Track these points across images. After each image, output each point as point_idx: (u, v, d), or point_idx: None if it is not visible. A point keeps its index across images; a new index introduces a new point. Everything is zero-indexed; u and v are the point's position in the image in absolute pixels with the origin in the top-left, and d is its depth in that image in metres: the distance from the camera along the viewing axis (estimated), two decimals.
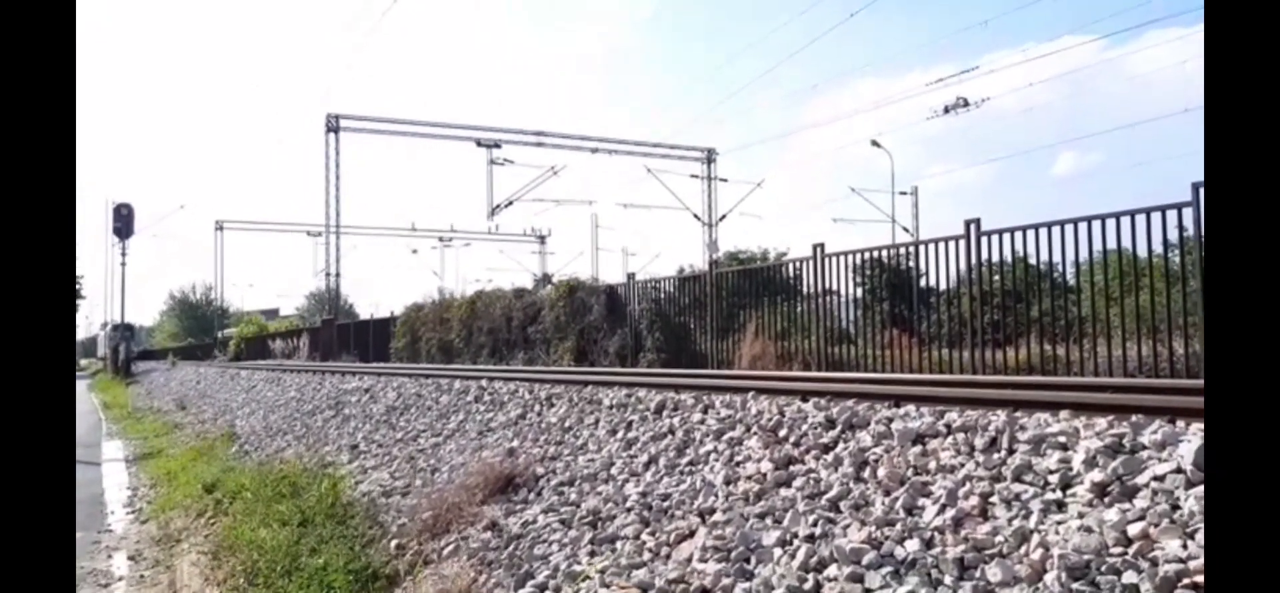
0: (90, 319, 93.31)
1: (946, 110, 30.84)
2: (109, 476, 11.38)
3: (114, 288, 43.32)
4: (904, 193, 40.60)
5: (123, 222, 37.34)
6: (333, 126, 37.49)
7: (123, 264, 37.93)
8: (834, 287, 12.19)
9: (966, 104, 30.35)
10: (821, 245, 12.05)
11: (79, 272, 70.51)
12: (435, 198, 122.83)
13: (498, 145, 38.61)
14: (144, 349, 66.53)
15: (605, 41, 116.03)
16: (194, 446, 12.82)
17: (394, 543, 5.78)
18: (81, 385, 38.96)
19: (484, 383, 9.62)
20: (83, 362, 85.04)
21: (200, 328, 73.03)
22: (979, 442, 3.98)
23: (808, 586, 3.48)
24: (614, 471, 5.60)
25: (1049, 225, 9.07)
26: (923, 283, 11.84)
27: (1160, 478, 3.17)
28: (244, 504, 7.50)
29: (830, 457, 4.51)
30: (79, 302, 73.77)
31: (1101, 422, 3.79)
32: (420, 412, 9.52)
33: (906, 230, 38.18)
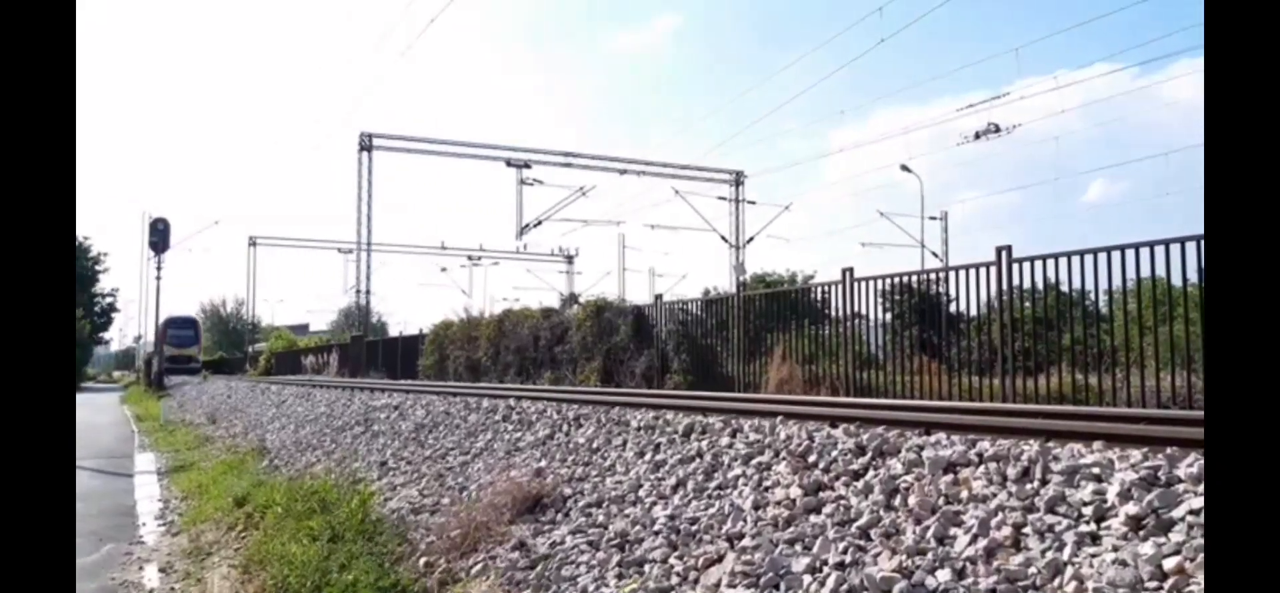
0: (124, 331, 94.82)
1: (977, 136, 30.71)
2: (141, 487, 11.54)
3: (149, 301, 43.80)
4: (934, 218, 40.43)
5: (159, 236, 37.97)
6: (365, 145, 37.97)
7: (158, 278, 38.48)
8: (862, 311, 12.15)
9: (997, 130, 30.20)
10: (850, 270, 12.03)
11: (114, 285, 71.73)
12: (465, 216, 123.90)
13: (528, 165, 38.92)
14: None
15: (633, 62, 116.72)
16: (225, 459, 12.96)
17: (423, 560, 5.81)
18: (113, 397, 39.55)
19: (511, 402, 9.67)
20: (117, 374, 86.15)
21: (231, 342, 73.68)
22: (1011, 471, 3.95)
23: None
24: (642, 493, 5.61)
25: (1082, 253, 9.00)
26: (952, 309, 11.77)
27: (1196, 512, 3.13)
28: (274, 519, 7.57)
29: (860, 484, 4.49)
30: (113, 315, 74.85)
31: (1136, 454, 3.75)
32: (448, 430, 9.59)
33: (936, 256, 37.96)
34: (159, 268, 38.69)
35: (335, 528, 6.73)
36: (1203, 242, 7.76)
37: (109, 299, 71.09)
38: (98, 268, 67.16)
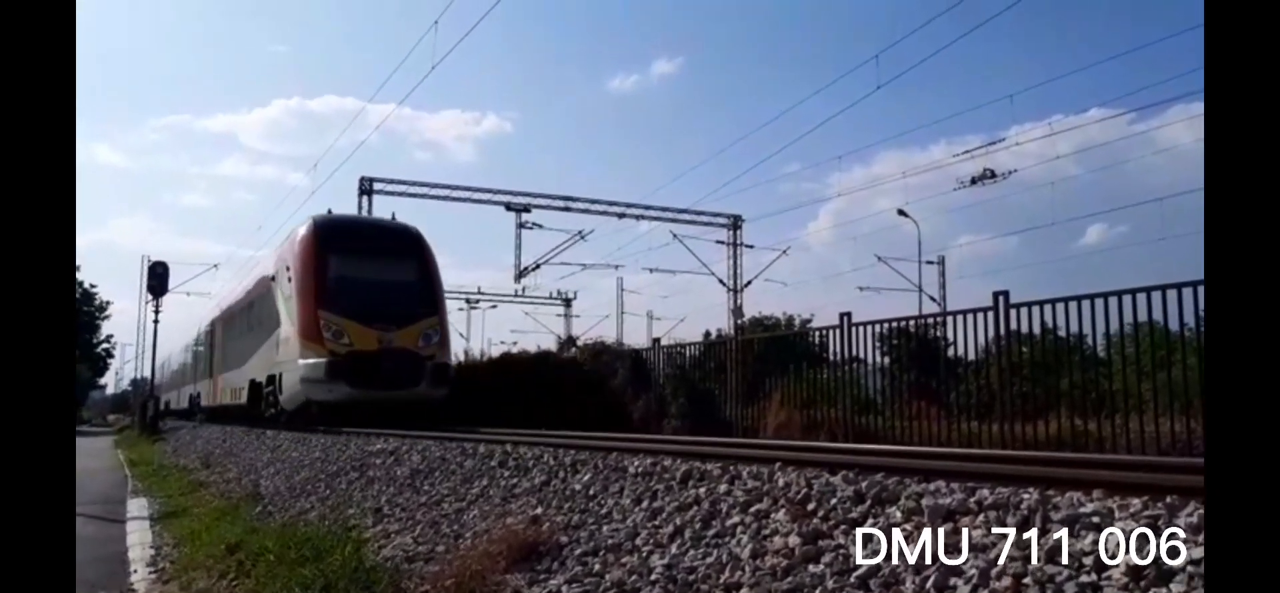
0: (120, 375, 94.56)
1: (973, 182, 30.92)
2: (133, 533, 11.41)
3: (146, 344, 43.54)
4: (931, 262, 40.60)
5: (158, 280, 37.91)
6: (366, 189, 38.07)
7: (155, 321, 38.35)
8: (861, 356, 12.15)
9: (993, 176, 30.43)
10: (848, 314, 12.04)
11: (109, 332, 71.76)
12: (464, 259, 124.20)
13: (527, 209, 39.12)
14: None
15: (632, 106, 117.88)
16: (218, 505, 12.83)
17: None
18: (107, 441, 39.26)
19: (508, 448, 9.60)
20: (111, 417, 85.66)
21: None
22: (1011, 520, 3.92)
23: None
24: (639, 541, 5.55)
25: (1078, 299, 9.03)
26: (950, 353, 11.77)
27: (1197, 563, 3.11)
28: (267, 566, 7.49)
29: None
30: (109, 361, 74.80)
31: (1136, 502, 3.73)
32: (444, 476, 9.51)
33: (934, 300, 38.03)
34: (157, 311, 38.58)
35: (328, 576, 6.64)
36: (1202, 288, 7.78)
37: (106, 346, 71.24)
38: (100, 315, 67.24)
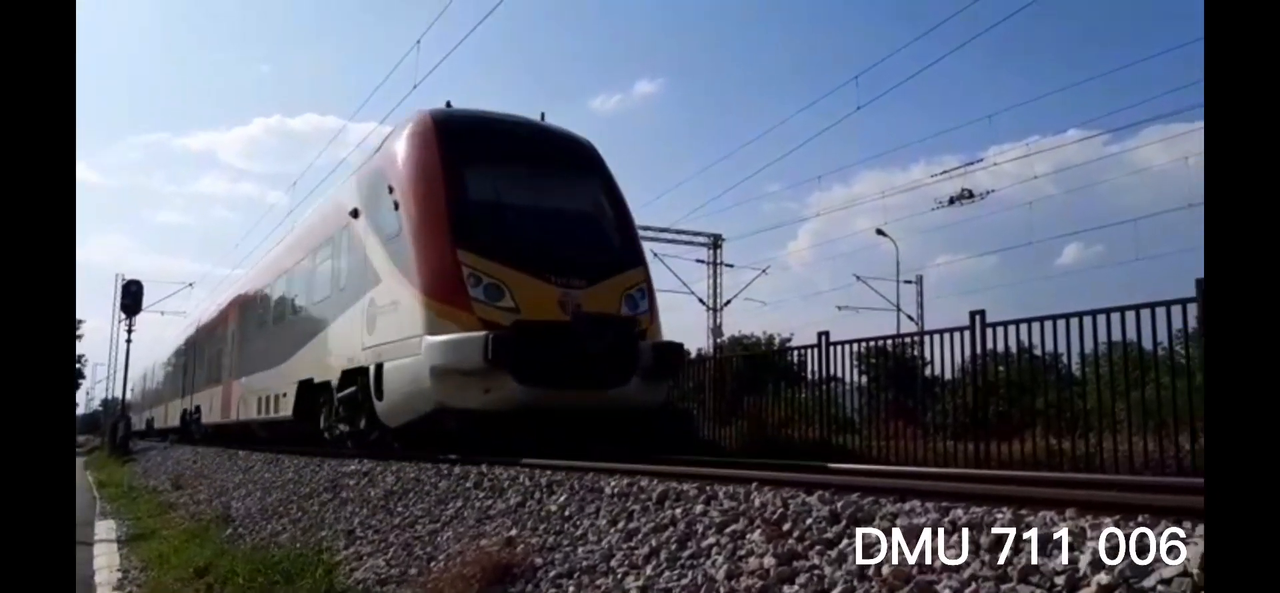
0: (91, 395, 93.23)
1: (951, 201, 31.26)
2: (100, 556, 11.21)
3: (119, 363, 42.92)
4: (909, 281, 40.87)
5: (131, 298, 37.45)
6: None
7: (128, 341, 37.87)
8: (838, 375, 12.18)
9: (971, 195, 30.76)
10: (826, 334, 12.09)
11: (81, 352, 71.07)
12: None
13: None
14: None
15: (615, 125, 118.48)
16: (187, 527, 12.65)
17: None
18: (77, 462, 38.66)
19: (484, 468, 9.52)
20: (81, 438, 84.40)
21: None
22: (984, 540, 3.91)
23: None
24: (614, 563, 5.50)
25: (1053, 318, 9.09)
26: (927, 372, 11.83)
27: (1167, 582, 3.11)
28: (236, 589, 7.38)
29: (834, 552, 4.43)
30: (80, 382, 74.10)
31: (1108, 522, 3.73)
32: (418, 497, 9.41)
33: (911, 319, 38.28)
34: (129, 331, 38.11)
35: None
36: (1175, 307, 7.87)
37: (77, 364, 70.48)
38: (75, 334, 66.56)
